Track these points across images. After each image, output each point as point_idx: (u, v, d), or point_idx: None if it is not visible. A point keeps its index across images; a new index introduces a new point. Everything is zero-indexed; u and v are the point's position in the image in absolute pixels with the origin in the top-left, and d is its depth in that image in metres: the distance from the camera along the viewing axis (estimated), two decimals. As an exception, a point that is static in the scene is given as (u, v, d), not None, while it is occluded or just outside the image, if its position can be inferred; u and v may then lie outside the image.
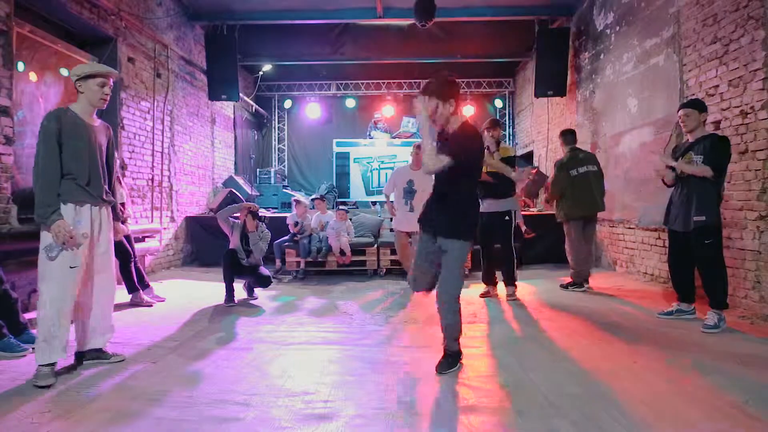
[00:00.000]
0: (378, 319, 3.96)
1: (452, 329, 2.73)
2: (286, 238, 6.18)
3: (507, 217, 4.54)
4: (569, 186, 4.99)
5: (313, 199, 6.99)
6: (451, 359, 2.75)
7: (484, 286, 4.80)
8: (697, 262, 3.60)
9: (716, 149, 3.43)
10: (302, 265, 6.09)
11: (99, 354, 2.89)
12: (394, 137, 10.89)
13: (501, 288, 4.74)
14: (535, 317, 3.99)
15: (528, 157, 9.87)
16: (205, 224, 7.20)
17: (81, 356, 2.87)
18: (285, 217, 6.47)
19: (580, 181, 4.97)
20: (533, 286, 5.27)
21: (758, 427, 2.04)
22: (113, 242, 2.92)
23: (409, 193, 5.06)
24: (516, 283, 4.68)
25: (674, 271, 3.81)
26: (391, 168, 10.19)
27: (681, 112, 3.64)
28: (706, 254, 3.48)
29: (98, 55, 5.45)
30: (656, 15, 5.27)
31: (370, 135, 11.13)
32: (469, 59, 9.30)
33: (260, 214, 4.90)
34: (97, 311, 2.83)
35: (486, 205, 4.55)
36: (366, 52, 8.86)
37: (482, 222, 4.65)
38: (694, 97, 3.73)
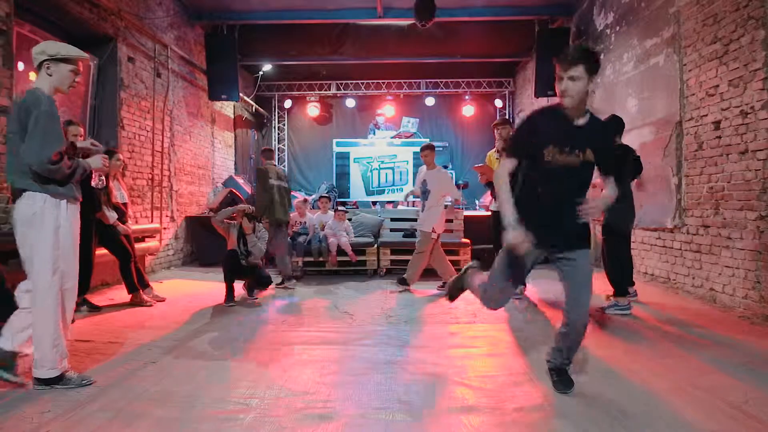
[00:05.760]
0: (378, 319, 3.95)
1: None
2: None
3: None
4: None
5: (320, 197, 7.09)
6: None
7: None
8: None
9: None
10: (300, 264, 6.13)
11: None
12: (394, 137, 10.95)
13: None
14: (534, 317, 4.00)
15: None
16: (205, 224, 7.18)
17: None
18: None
19: None
20: (533, 286, 5.26)
21: (758, 427, 2.04)
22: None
23: (424, 193, 5.10)
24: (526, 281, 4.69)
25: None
26: (391, 168, 10.56)
27: None
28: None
29: (98, 55, 5.46)
30: (656, 15, 5.27)
31: (373, 132, 11.15)
32: (469, 59, 9.29)
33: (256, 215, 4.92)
34: None
35: (500, 203, 4.56)
36: (366, 52, 8.85)
37: (496, 220, 4.66)
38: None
